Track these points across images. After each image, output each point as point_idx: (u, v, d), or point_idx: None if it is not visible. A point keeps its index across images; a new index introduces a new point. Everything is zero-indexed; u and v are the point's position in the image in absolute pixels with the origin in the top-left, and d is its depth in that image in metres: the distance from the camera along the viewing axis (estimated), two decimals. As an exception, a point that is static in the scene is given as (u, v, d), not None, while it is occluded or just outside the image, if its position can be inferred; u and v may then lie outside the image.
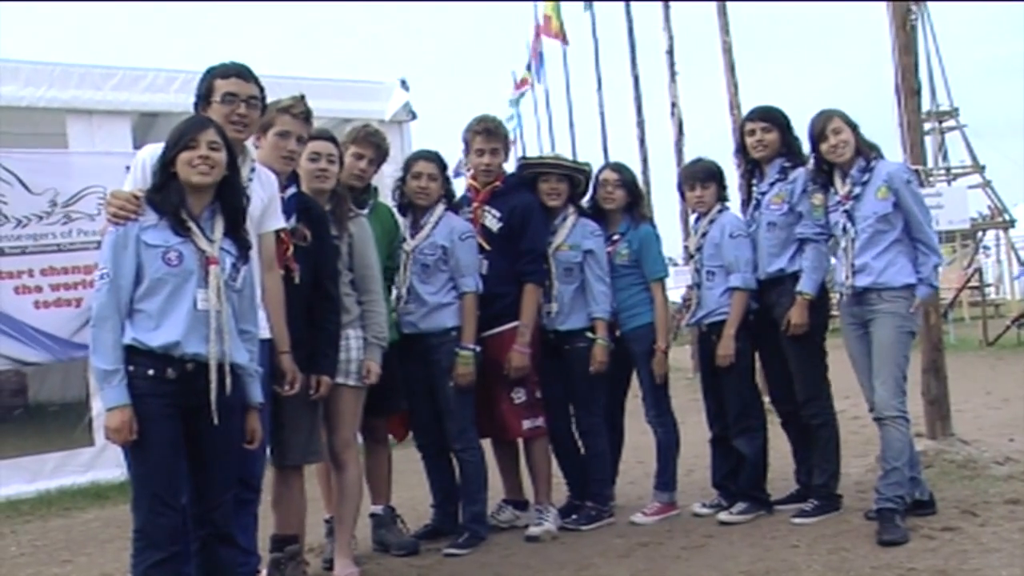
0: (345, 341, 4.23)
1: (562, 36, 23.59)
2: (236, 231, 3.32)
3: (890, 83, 6.14)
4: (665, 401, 5.14)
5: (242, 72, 3.68)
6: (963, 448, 5.73)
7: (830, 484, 4.81)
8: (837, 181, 4.64)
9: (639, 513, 5.03)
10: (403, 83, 8.76)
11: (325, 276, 4.11)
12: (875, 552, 4.09)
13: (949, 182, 22.72)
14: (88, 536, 5.64)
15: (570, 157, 5.57)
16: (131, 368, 3.10)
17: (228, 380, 3.19)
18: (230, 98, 3.62)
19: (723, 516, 4.86)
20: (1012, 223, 24.50)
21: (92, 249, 6.97)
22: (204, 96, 3.66)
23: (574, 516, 4.97)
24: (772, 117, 4.92)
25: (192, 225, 3.20)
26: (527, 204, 4.89)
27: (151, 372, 3.12)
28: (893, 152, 5.63)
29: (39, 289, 6.90)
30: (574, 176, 5.06)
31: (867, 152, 4.57)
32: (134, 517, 3.17)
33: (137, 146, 7.50)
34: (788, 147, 4.88)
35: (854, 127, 4.59)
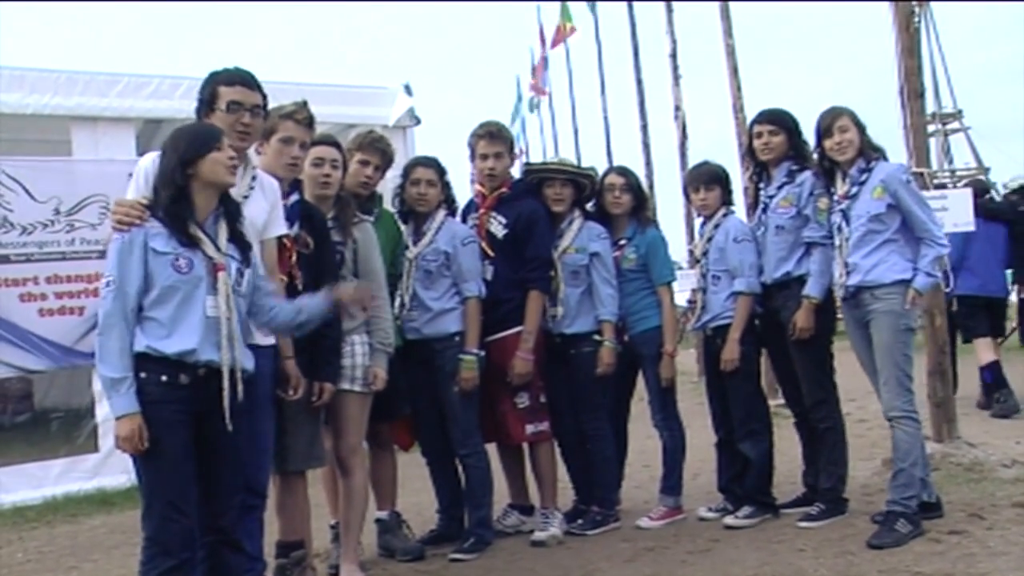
0: (351, 347, 4.23)
1: (567, 32, 23.78)
2: (238, 236, 3.34)
3: (894, 85, 6.13)
4: (671, 405, 5.13)
5: (247, 80, 3.64)
6: (969, 451, 5.71)
7: (837, 488, 4.80)
8: (838, 181, 4.64)
9: (645, 517, 5.02)
10: (407, 88, 8.75)
11: (327, 282, 4.10)
12: (881, 556, 4.08)
13: (954, 184, 22.69)
14: (94, 543, 5.64)
15: (575, 161, 5.55)
16: (143, 375, 3.11)
17: (240, 387, 3.21)
18: (235, 107, 3.59)
19: (729, 520, 4.85)
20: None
21: (96, 258, 6.99)
22: (207, 102, 3.62)
23: (580, 521, 4.96)
24: (779, 120, 4.91)
25: (200, 234, 3.21)
26: (532, 211, 4.89)
27: (164, 378, 3.13)
28: (897, 154, 5.63)
29: (43, 297, 6.91)
30: (579, 181, 5.05)
31: (870, 153, 4.56)
32: (145, 524, 3.16)
33: (141, 153, 7.53)
34: (796, 150, 4.87)
35: (862, 128, 4.58)
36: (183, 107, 7.48)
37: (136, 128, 7.57)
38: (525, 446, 5.01)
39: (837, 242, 4.59)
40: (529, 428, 4.85)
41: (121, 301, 3.11)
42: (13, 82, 6.95)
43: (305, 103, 4.12)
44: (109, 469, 6.89)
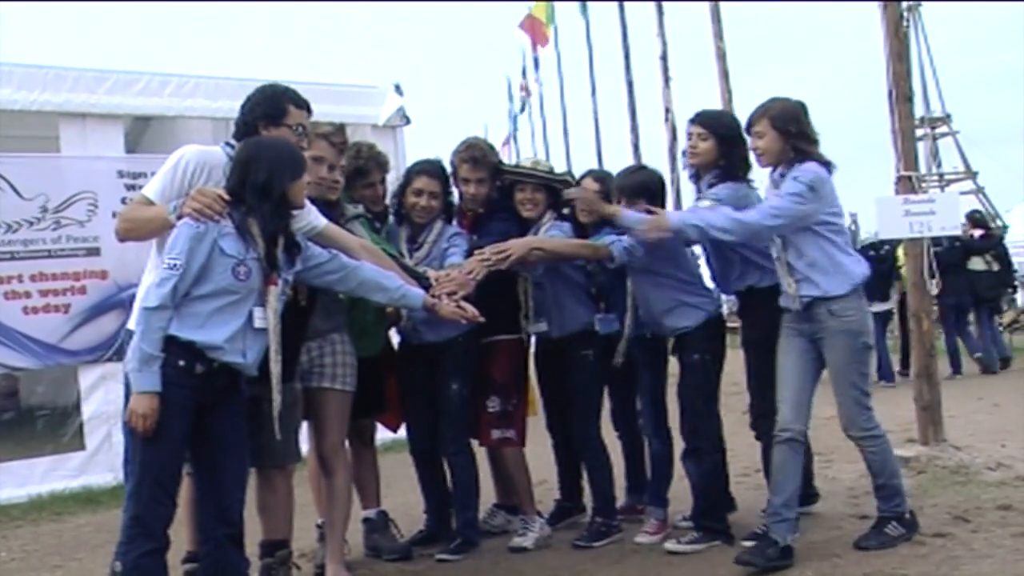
0: (331, 346, 4.21)
1: (544, 39, 23.67)
2: (291, 244, 3.46)
3: (883, 89, 6.15)
4: (664, 413, 4.88)
5: (309, 106, 3.73)
6: (955, 454, 5.75)
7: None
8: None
9: (643, 532, 4.75)
10: (397, 88, 8.73)
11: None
12: (867, 558, 4.10)
13: (942, 188, 22.78)
14: (79, 541, 5.61)
15: (550, 164, 5.11)
16: (162, 354, 3.17)
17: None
18: (301, 130, 3.67)
19: (669, 545, 4.47)
20: (1004, 229, 24.57)
21: (81, 256, 6.99)
22: (275, 116, 3.62)
23: (585, 533, 4.78)
24: (711, 124, 4.50)
25: (274, 253, 3.33)
26: (506, 233, 4.57)
27: (181, 363, 3.20)
28: (886, 157, 5.65)
29: (28, 295, 6.86)
30: (552, 186, 4.74)
31: (799, 155, 4.13)
32: (132, 504, 3.21)
33: (130, 150, 7.52)
34: (727, 159, 4.42)
35: (786, 132, 4.13)
36: (172, 104, 7.52)
37: (125, 125, 7.54)
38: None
39: (775, 253, 4.23)
40: (495, 433, 4.75)
41: (178, 287, 3.19)
42: (2, 78, 6.90)
43: (342, 127, 4.18)
44: (95, 467, 6.87)
